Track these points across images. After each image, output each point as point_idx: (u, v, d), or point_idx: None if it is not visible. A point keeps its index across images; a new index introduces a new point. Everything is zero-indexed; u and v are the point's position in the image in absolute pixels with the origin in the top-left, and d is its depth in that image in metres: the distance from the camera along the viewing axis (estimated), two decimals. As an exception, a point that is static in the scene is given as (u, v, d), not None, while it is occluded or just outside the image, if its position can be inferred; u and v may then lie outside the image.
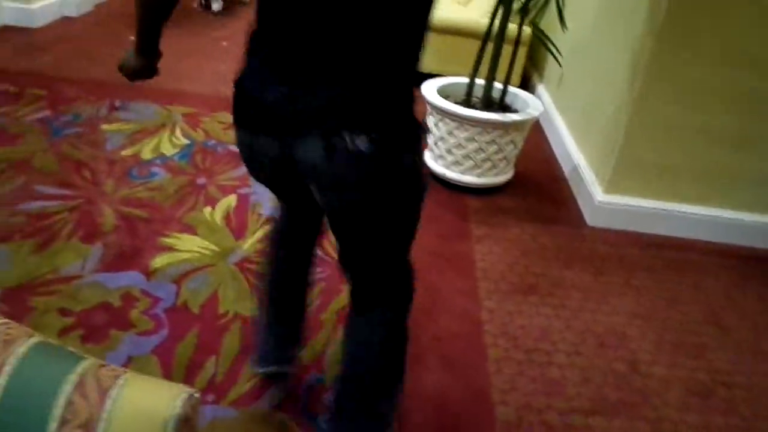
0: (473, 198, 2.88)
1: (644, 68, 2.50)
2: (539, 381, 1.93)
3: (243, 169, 2.78)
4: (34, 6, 4.61)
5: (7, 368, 0.61)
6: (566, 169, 3.21)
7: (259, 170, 1.28)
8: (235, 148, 2.95)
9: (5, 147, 2.81)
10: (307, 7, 1.03)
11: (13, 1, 4.57)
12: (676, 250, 2.70)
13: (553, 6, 2.66)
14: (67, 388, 0.63)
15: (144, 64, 1.36)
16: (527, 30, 3.06)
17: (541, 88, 4.05)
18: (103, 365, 0.66)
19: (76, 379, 0.61)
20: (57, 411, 0.62)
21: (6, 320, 0.68)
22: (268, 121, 1.12)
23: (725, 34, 2.40)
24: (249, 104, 1.15)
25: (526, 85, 4.19)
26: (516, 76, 3.82)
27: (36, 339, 0.63)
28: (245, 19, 5.08)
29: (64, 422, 0.62)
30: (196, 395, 0.68)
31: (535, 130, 3.48)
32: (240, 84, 1.16)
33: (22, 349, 0.61)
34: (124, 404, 0.63)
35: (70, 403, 0.63)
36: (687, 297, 2.41)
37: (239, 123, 1.19)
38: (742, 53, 2.44)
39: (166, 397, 0.65)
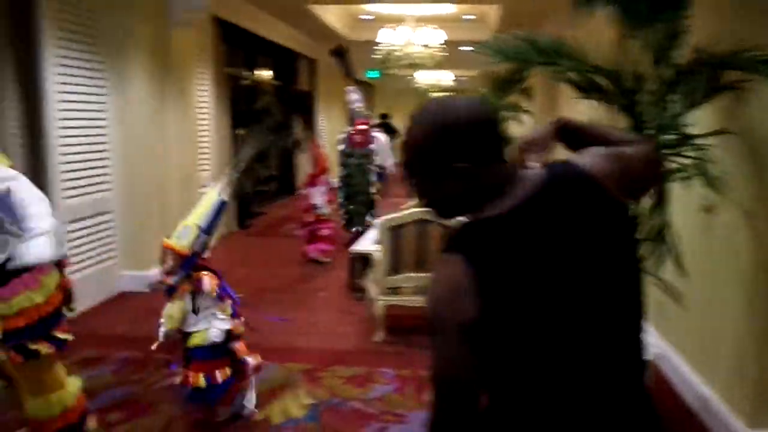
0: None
1: (762, 299, 2.56)
2: None
3: (371, 429, 2.81)
4: (150, 273, 5.08)
5: None
6: (692, 403, 3.11)
7: None
8: (359, 404, 3.00)
9: (143, 418, 2.93)
10: None
11: (130, 270, 5.08)
12: None
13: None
14: None
15: None
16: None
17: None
18: None
19: None
20: None
21: None
22: None
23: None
24: None
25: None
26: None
27: None
28: (337, 269, 5.45)
29: None
30: None
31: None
32: None
33: None
34: None
35: None
36: None
37: None
38: None
39: None
